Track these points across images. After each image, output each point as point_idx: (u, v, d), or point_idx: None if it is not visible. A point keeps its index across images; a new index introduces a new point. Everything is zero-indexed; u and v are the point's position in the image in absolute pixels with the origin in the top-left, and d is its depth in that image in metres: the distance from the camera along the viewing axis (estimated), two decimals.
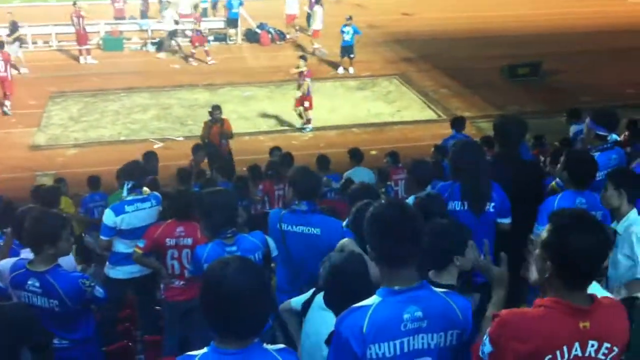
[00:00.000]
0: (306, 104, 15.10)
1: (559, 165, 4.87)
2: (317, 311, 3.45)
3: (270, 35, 22.48)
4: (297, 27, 22.91)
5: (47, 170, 12.98)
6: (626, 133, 7.45)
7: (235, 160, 12.07)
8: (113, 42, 21.39)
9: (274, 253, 4.75)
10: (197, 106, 16.88)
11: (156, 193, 6.52)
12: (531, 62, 18.86)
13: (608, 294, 3.31)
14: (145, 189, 6.33)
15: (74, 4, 20.13)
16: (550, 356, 2.42)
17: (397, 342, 2.63)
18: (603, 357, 2.46)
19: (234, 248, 4.44)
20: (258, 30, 22.61)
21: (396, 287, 2.67)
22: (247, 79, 18.84)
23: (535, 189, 5.31)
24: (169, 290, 5.70)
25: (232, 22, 22.15)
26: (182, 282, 5.61)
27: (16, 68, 17.28)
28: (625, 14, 24.65)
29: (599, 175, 4.74)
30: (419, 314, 2.64)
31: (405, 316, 2.63)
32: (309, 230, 4.69)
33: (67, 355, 4.26)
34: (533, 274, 2.61)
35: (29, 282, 4.15)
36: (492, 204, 4.79)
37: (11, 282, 4.23)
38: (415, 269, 2.73)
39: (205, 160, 11.38)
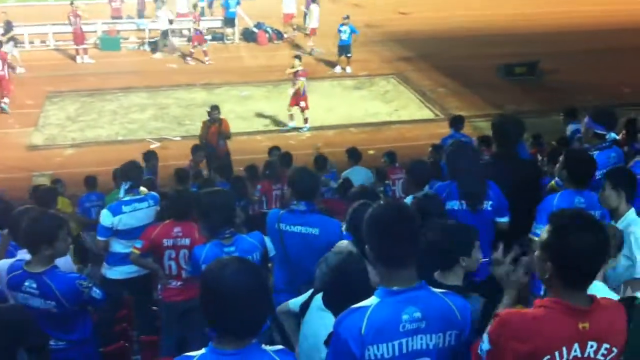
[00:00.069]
0: (302, 103, 15.08)
1: (557, 165, 4.86)
2: (316, 312, 3.44)
3: (267, 35, 22.46)
4: (294, 27, 22.90)
5: (44, 171, 12.95)
6: (624, 132, 7.44)
7: (233, 160, 12.06)
8: (110, 42, 21.37)
9: (272, 253, 4.75)
10: (194, 106, 16.88)
11: (154, 193, 6.52)
12: (528, 61, 18.87)
13: (614, 294, 3.31)
14: (142, 189, 6.33)
15: (71, 3, 20.11)
16: (549, 356, 2.42)
17: (396, 342, 2.62)
18: (602, 358, 2.46)
19: (232, 248, 4.44)
20: (255, 30, 22.60)
21: (394, 288, 2.67)
22: (245, 79, 18.83)
23: (533, 188, 5.31)
24: (166, 291, 5.68)
25: (229, 21, 22.15)
26: (179, 283, 5.59)
27: (12, 67, 17.25)
28: (622, 13, 24.65)
29: (598, 174, 4.74)
30: (418, 314, 2.63)
31: (404, 317, 2.62)
32: (307, 230, 4.69)
33: (64, 356, 4.25)
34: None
35: (26, 284, 4.13)
36: (490, 202, 4.81)
37: (8, 284, 4.21)
38: (414, 269, 2.72)
39: (204, 161, 11.39)
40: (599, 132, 5.27)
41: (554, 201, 4.62)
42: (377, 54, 21.10)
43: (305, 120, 15.33)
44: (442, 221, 3.70)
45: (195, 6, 22.39)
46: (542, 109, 15.60)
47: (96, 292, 4.34)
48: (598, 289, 3.05)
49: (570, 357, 2.42)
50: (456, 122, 11.20)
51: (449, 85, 18.23)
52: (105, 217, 6.07)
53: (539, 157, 9.25)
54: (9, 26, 19.61)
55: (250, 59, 21.05)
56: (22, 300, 4.13)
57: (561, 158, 4.81)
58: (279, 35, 22.67)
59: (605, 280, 3.54)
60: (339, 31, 18.93)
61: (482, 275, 4.00)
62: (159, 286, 5.87)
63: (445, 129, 11.87)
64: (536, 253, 2.56)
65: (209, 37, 21.94)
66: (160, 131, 15.54)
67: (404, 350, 2.63)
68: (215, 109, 12.16)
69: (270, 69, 18.91)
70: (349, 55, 19.22)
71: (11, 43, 19.16)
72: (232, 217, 4.56)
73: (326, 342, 3.08)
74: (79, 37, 20.17)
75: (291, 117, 15.36)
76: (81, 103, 17.20)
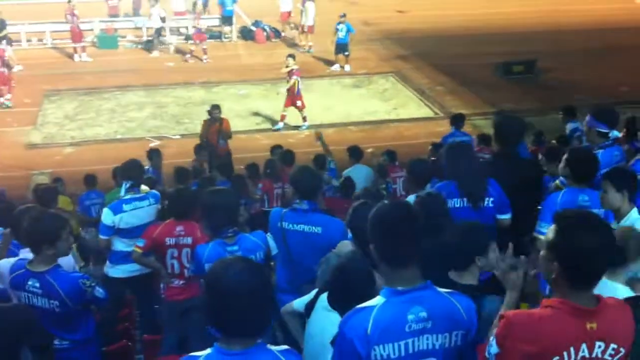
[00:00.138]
0: (298, 103, 15.05)
1: (560, 163, 4.87)
2: (321, 312, 3.44)
3: (265, 33, 22.43)
4: (292, 25, 22.87)
5: (43, 169, 12.94)
6: (624, 130, 7.46)
7: (233, 159, 12.03)
8: (108, 40, 21.32)
9: (274, 252, 4.76)
10: (192, 104, 16.88)
11: (155, 191, 6.52)
12: (526, 59, 18.87)
13: (629, 291, 3.31)
14: (143, 187, 6.32)
15: (69, 1, 20.05)
16: (557, 357, 2.42)
17: (402, 343, 2.62)
18: (609, 358, 2.45)
19: (235, 247, 4.44)
20: (253, 28, 22.56)
21: (400, 288, 2.67)
22: (243, 77, 18.79)
23: (533, 187, 5.32)
24: (168, 290, 5.68)
25: (226, 19, 22.10)
26: (181, 282, 5.59)
27: (9, 66, 17.18)
28: (620, 12, 24.68)
29: (602, 172, 4.74)
30: (424, 314, 2.63)
31: (410, 317, 2.62)
32: (310, 229, 4.69)
33: (68, 355, 4.25)
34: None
35: (29, 283, 4.13)
36: (491, 199, 4.81)
37: (11, 283, 4.21)
38: (418, 269, 2.72)
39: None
40: (601, 130, 5.27)
41: (558, 199, 4.63)
42: (375, 52, 21.09)
43: (304, 119, 15.31)
44: (461, 222, 3.71)
45: (194, 4, 22.37)
46: (540, 108, 15.61)
47: (99, 292, 4.35)
48: (618, 290, 3.06)
49: (578, 357, 2.42)
50: (457, 120, 11.23)
51: (447, 84, 18.22)
52: (107, 216, 6.07)
53: (540, 156, 9.25)
54: (2, 24, 19.51)
55: (248, 57, 21.01)
56: (25, 300, 4.14)
57: (564, 157, 4.82)
58: (277, 33, 22.64)
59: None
60: (336, 29, 18.93)
61: (484, 274, 4.01)
62: (162, 285, 5.86)
63: (444, 128, 11.89)
64: (542, 253, 2.56)
65: (206, 35, 21.93)
66: (159, 129, 15.52)
67: (410, 351, 2.63)
68: (216, 108, 12.14)
69: (268, 67, 18.87)
70: (346, 53, 19.19)
71: (4, 42, 19.05)
72: (236, 217, 4.56)
73: (332, 342, 3.09)
74: (76, 36, 20.11)
75: (282, 117, 15.33)
76: (79, 101, 17.16)
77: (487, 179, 4.86)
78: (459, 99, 17.11)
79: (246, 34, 22.58)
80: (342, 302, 3.18)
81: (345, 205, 6.14)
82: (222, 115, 12.34)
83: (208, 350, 2.51)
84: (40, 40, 21.45)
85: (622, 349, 2.46)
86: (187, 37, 21.62)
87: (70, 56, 20.30)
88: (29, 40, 21.25)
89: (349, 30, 18.97)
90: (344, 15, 19.14)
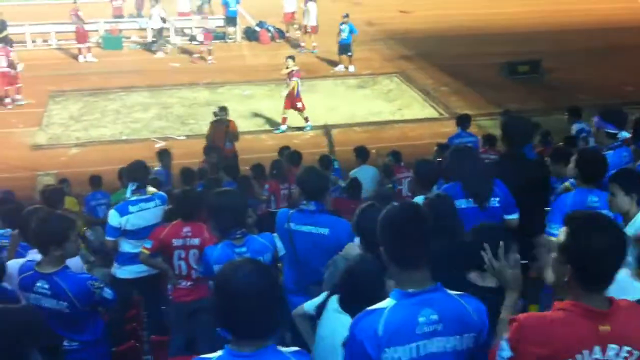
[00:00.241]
0: (298, 104, 15.03)
1: (570, 165, 4.85)
2: (332, 314, 3.44)
3: (269, 34, 22.45)
4: (296, 25, 22.88)
5: (48, 170, 12.94)
6: (631, 131, 7.41)
7: (239, 160, 12.04)
8: (112, 41, 21.36)
9: (281, 252, 4.76)
10: (197, 105, 16.89)
11: (161, 193, 6.52)
12: (531, 59, 18.84)
13: None
14: (150, 188, 6.33)
15: (75, 2, 20.08)
16: None
17: (413, 345, 2.61)
18: None
19: (243, 249, 4.45)
20: (257, 29, 22.57)
21: (410, 290, 2.67)
22: (247, 78, 18.81)
23: (539, 188, 5.31)
24: (176, 291, 5.68)
25: (231, 20, 22.10)
26: (189, 283, 5.59)
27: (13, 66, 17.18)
28: (624, 11, 24.63)
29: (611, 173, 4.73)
30: (435, 316, 2.63)
31: (421, 319, 2.62)
32: (317, 230, 4.68)
33: (78, 357, 4.27)
34: (549, 276, 2.61)
35: (38, 284, 4.14)
36: (497, 199, 4.80)
37: (20, 284, 4.22)
38: (428, 271, 2.72)
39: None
40: (610, 131, 5.25)
41: (568, 200, 4.62)
42: (379, 52, 21.09)
43: (306, 120, 15.28)
44: (485, 223, 3.67)
45: (200, 6, 22.37)
46: (545, 108, 15.58)
47: (107, 293, 4.36)
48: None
49: None
50: (463, 121, 11.22)
51: (452, 84, 18.21)
52: (113, 218, 6.09)
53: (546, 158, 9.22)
54: (2, 25, 19.53)
55: (252, 57, 21.02)
56: (34, 301, 4.15)
57: (573, 158, 4.81)
58: (281, 34, 22.65)
59: None
60: (340, 30, 18.92)
61: None
62: (169, 286, 5.87)
63: (448, 128, 11.87)
64: (553, 256, 2.56)
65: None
66: (164, 130, 15.53)
67: (422, 353, 2.62)
68: (222, 110, 12.14)
69: (273, 68, 18.81)
70: (349, 54, 19.19)
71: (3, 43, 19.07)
72: (244, 218, 4.57)
73: (344, 344, 3.08)
74: (81, 36, 20.16)
75: (284, 120, 15.31)
76: (84, 102, 17.19)
77: (492, 179, 4.85)
78: (464, 100, 17.09)
79: (250, 34, 22.59)
80: (353, 304, 3.17)
81: (352, 206, 6.13)
82: (229, 118, 12.33)
83: (219, 352, 2.51)
84: (45, 41, 21.51)
85: (635, 352, 2.44)
86: (192, 38, 21.62)
87: (75, 57, 20.35)
88: (33, 41, 21.32)
89: (351, 31, 18.97)
90: (347, 16, 19.15)
